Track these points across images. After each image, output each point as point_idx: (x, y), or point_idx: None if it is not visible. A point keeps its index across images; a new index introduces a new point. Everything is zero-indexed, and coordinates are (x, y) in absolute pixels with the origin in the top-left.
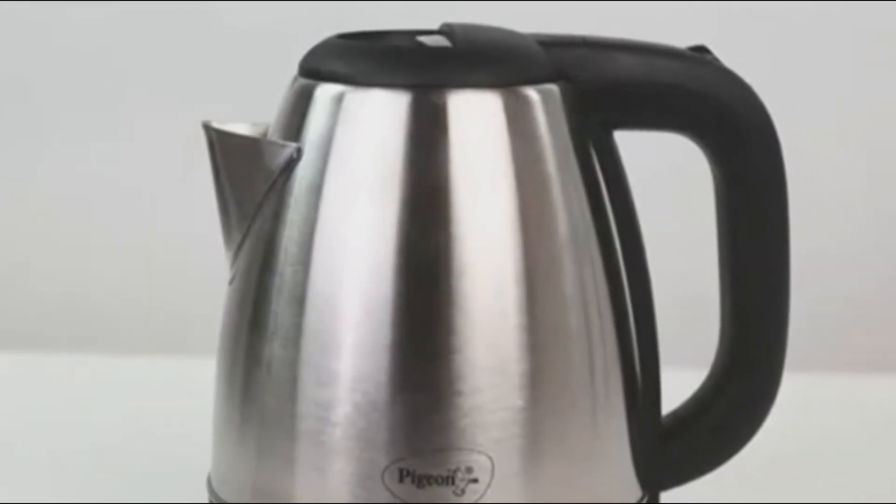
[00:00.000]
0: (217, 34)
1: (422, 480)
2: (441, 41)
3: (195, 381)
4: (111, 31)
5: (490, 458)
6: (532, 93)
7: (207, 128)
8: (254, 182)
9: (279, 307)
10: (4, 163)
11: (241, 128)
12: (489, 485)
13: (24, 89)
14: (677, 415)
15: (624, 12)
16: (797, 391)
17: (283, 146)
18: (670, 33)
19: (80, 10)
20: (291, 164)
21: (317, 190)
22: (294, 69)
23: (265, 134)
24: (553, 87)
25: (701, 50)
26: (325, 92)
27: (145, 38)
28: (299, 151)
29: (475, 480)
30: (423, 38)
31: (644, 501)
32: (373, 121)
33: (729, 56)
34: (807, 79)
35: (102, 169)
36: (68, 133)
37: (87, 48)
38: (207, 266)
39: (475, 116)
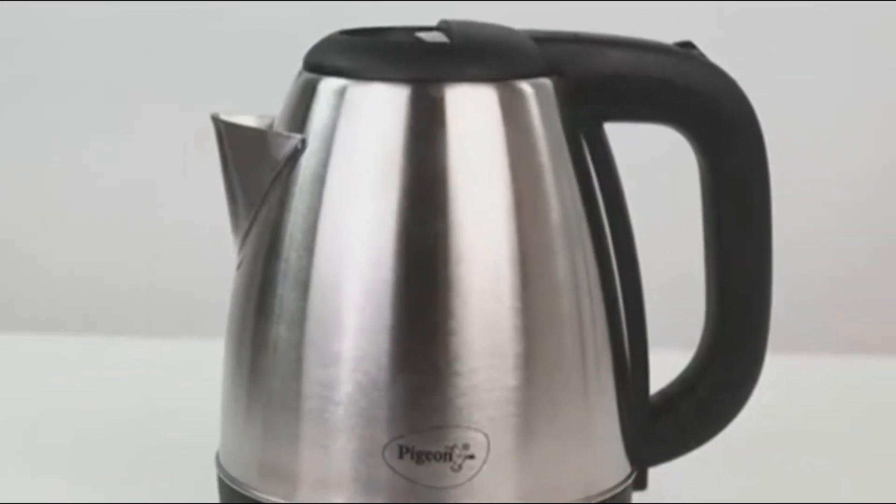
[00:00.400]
0: (226, 32)
1: (421, 457)
2: (439, 37)
3: (204, 362)
4: (127, 29)
5: (486, 436)
6: (526, 86)
7: (216, 120)
8: (260, 171)
9: (284, 291)
10: (21, 154)
11: (248, 120)
12: (485, 461)
13: (39, 83)
14: (664, 394)
15: (614, 10)
16: (779, 372)
17: (288, 137)
18: (658, 30)
19: (95, 9)
20: (296, 154)
21: (320, 179)
22: (299, 64)
23: (271, 126)
24: (546, 81)
25: (687, 45)
26: (329, 85)
27: (160, 36)
28: (303, 142)
29: (472, 457)
30: (422, 35)
31: (633, 477)
32: (374, 113)
33: (713, 51)
34: (788, 73)
35: (117, 160)
36: (83, 126)
37: (102, 45)
38: (216, 252)
39: (471, 109)
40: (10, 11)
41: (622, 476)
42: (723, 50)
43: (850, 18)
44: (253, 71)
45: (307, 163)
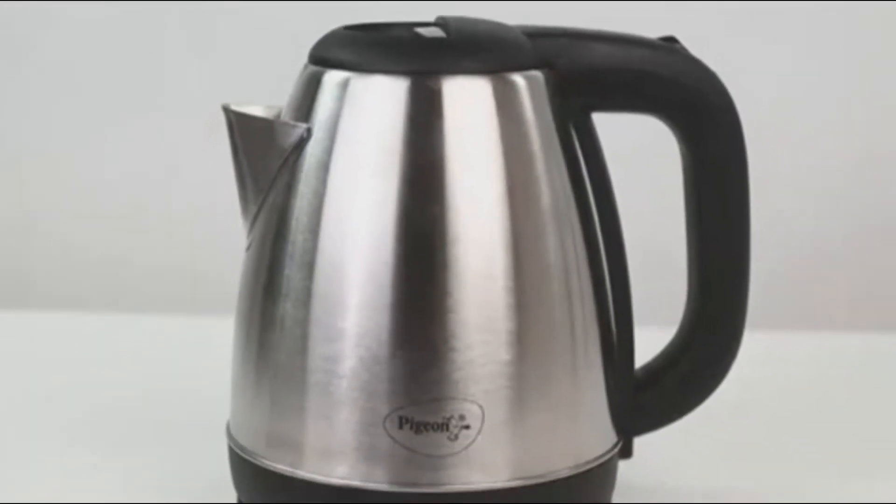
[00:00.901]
0: (237, 29)
1: (419, 427)
2: (436, 32)
3: (215, 338)
4: (146, 28)
5: (481, 407)
6: (519, 79)
7: (227, 110)
8: (268, 159)
9: (291, 271)
10: (48, 142)
11: (257, 110)
12: (480, 431)
13: (65, 77)
14: (649, 368)
15: (602, 7)
16: (756, 347)
17: (295, 127)
18: (642, 26)
19: (116, 9)
20: (302, 142)
21: (325, 166)
22: (304, 58)
23: (278, 116)
24: (538, 74)
25: (670, 40)
26: (332, 78)
27: (178, 33)
28: (309, 131)
29: (467, 427)
30: (421, 30)
31: (619, 446)
32: (375, 104)
33: (695, 46)
34: (765, 65)
35: (136, 147)
36: (108, 116)
37: (126, 43)
38: (227, 235)
39: (467, 100)
40: (36, 11)
41: (609, 445)
42: (703, 45)
43: (825, 14)
44: (262, 64)
45: (312, 151)
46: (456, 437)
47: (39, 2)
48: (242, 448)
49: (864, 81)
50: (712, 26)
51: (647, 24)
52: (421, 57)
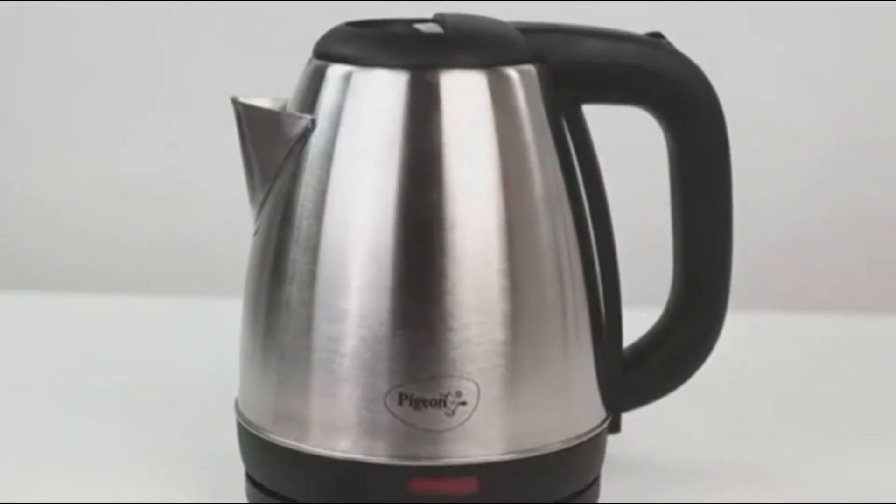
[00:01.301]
0: (245, 26)
1: (418, 403)
2: (434, 28)
3: (224, 319)
4: (159, 24)
5: (476, 384)
6: (512, 72)
7: (235, 102)
8: (275, 148)
9: (296, 255)
10: (63, 131)
11: (264, 102)
12: (476, 407)
13: (80, 69)
14: (636, 347)
15: (592, 5)
16: (738, 328)
17: (300, 118)
18: (630, 22)
19: (136, 8)
20: (307, 133)
21: (328, 155)
22: (309, 53)
23: (284, 107)
24: (530, 68)
25: (657, 36)
26: (336, 71)
27: (189, 30)
28: (313, 122)
29: (464, 403)
30: (419, 26)
31: (608, 421)
32: (376, 96)
33: (680, 42)
34: (746, 60)
35: (150, 139)
36: (126, 106)
37: (144, 37)
38: (235, 221)
39: (464, 93)
40: (55, 10)
41: (598, 420)
42: (688, 40)
43: (805, 12)
44: (268, 59)
45: (316, 141)
46: (453, 412)
47: (54, 1)
48: (250, 423)
49: (840, 77)
50: (697, 23)
51: (634, 21)
52: (419, 52)
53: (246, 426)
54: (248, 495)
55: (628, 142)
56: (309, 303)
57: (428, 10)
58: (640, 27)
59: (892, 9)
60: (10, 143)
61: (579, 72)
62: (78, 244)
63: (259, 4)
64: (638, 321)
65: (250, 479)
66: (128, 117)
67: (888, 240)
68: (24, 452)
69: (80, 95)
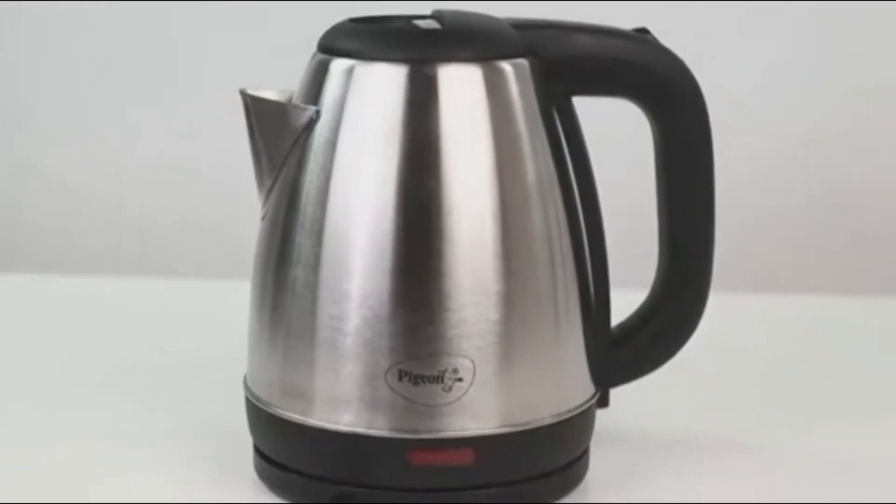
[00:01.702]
0: (253, 21)
1: (417, 379)
2: (432, 24)
3: (233, 300)
4: (174, 20)
5: (472, 362)
6: (506, 66)
7: (243, 94)
8: (281, 138)
9: (302, 239)
10: (82, 116)
11: (271, 94)
12: (472, 383)
13: (103, 61)
14: (623, 326)
15: (584, 3)
16: (720, 308)
17: (305, 109)
18: (618, 18)
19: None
20: (311, 123)
21: (332, 145)
22: (313, 48)
23: (290, 99)
24: (523, 62)
25: (643, 31)
26: (339, 65)
27: (201, 25)
28: (318, 113)
29: (460, 379)
30: (418, 22)
31: (597, 396)
32: (377, 89)
33: (665, 37)
34: (728, 53)
35: (161, 131)
36: (141, 98)
37: (161, 32)
38: (244, 207)
39: (460, 85)
40: (79, 9)
41: (588, 396)
42: (673, 35)
43: (778, 11)
44: (275, 54)
45: (321, 131)
46: (450, 388)
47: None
48: (258, 398)
49: (816, 70)
50: (681, 20)
51: (622, 17)
52: (418, 46)
53: (254, 401)
54: (256, 466)
55: (616, 132)
56: (314, 284)
57: (426, 8)
58: (627, 23)
59: (863, 6)
60: (38, 131)
61: (570, 66)
62: (99, 228)
63: (266, 4)
64: (625, 302)
65: (258, 451)
66: (145, 107)
67: (860, 224)
68: (48, 425)
69: (103, 86)
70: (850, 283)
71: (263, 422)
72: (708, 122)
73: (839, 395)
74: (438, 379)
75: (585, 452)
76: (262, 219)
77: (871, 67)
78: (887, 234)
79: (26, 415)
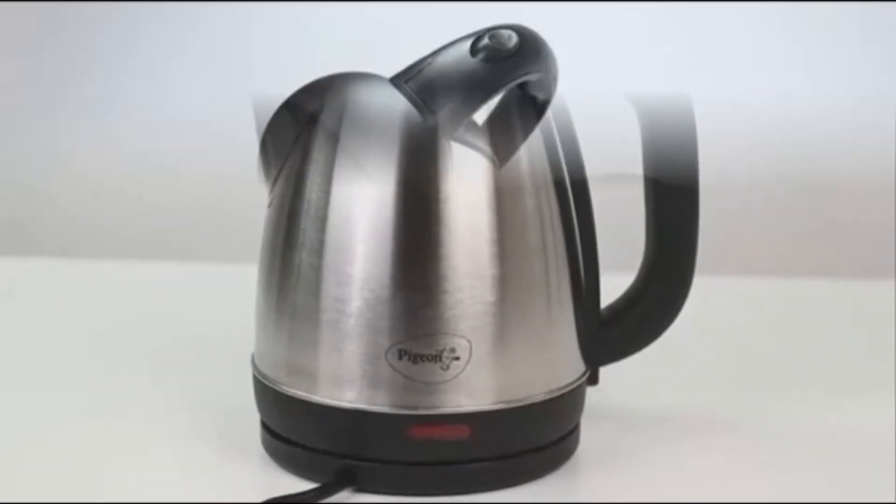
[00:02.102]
0: (263, 31)
1: (416, 358)
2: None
3: (241, 283)
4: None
5: (469, 341)
6: None
7: (251, 90)
8: (287, 130)
9: (307, 225)
10: (103, 103)
11: (279, 90)
12: (468, 361)
13: (120, 53)
14: (612, 308)
15: (579, 9)
16: (704, 290)
17: (310, 102)
18: (613, 22)
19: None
20: (315, 115)
21: (335, 136)
22: (321, 52)
23: (296, 94)
24: None
25: None
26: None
27: (212, 31)
28: (322, 106)
29: (457, 358)
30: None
31: (587, 374)
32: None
33: (650, 33)
34: (712, 54)
35: (173, 124)
36: (156, 87)
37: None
38: (251, 195)
39: None
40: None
41: (578, 374)
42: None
43: (768, 9)
44: (282, 54)
45: (325, 122)
46: (447, 367)
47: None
48: (265, 376)
49: (791, 61)
50: (668, 25)
51: (618, 22)
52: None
53: (261, 379)
54: (263, 441)
55: (606, 125)
56: (318, 268)
57: (425, 7)
58: (620, 24)
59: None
60: (64, 121)
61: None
62: (112, 213)
63: (276, 8)
64: (614, 285)
65: (265, 427)
66: (159, 101)
67: (834, 212)
68: (63, 403)
69: (123, 78)
70: (825, 267)
71: (270, 399)
72: (692, 115)
73: (816, 372)
74: (436, 358)
75: (576, 428)
76: (269, 205)
77: (846, 61)
78: (858, 222)
79: (43, 393)
